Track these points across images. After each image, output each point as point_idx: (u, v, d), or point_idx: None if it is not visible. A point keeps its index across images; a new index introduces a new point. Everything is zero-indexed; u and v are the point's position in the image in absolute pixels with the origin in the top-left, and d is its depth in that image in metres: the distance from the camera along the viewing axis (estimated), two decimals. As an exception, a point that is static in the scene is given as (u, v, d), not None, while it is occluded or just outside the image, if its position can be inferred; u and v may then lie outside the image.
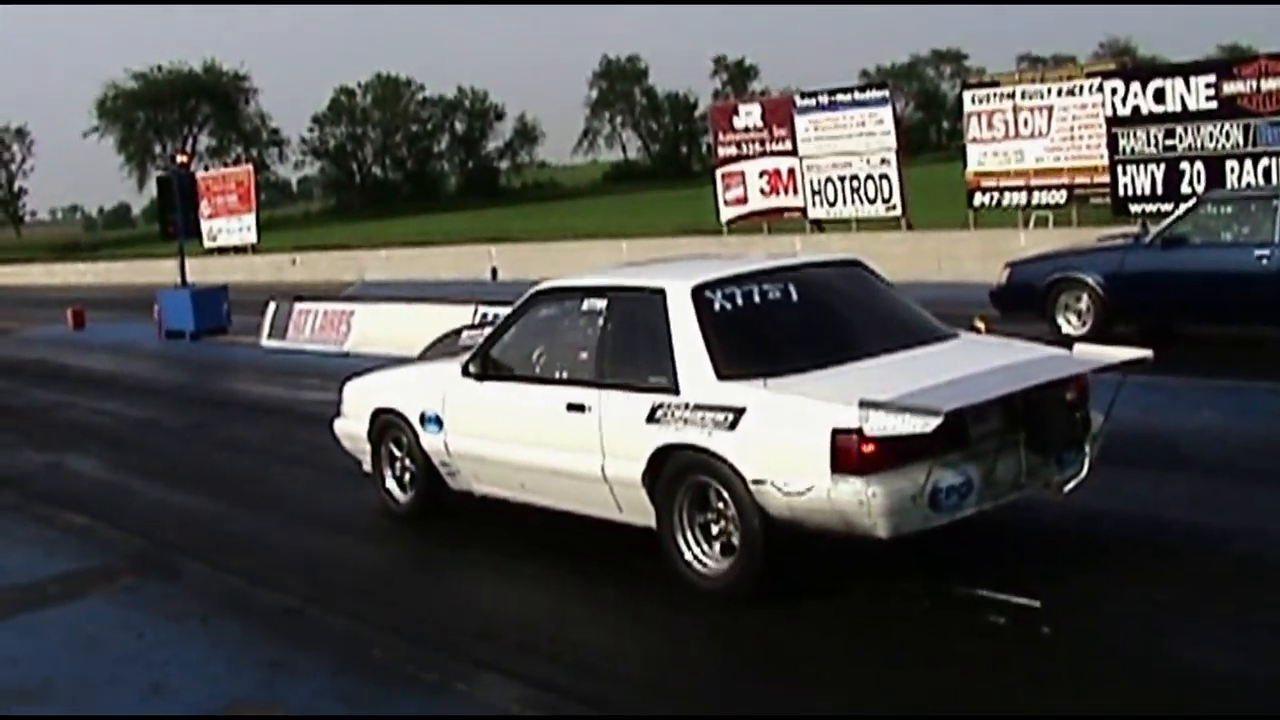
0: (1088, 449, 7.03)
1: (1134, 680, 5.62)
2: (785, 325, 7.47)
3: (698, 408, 6.85)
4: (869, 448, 6.17)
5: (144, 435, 14.33)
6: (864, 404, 6.11)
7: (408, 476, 9.14)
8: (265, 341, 21.77)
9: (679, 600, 7.01)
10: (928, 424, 5.95)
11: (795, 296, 7.54)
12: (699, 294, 7.23)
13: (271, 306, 22.21)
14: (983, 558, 7.28)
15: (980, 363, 6.93)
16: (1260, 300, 13.18)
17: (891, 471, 6.23)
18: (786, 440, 6.51)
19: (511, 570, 8.12)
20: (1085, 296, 14.48)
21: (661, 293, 7.34)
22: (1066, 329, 14.34)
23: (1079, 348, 7.38)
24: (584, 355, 7.69)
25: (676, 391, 7.00)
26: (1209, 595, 6.55)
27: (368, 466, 9.51)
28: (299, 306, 21.65)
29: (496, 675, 6.24)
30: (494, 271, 31.68)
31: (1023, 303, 14.98)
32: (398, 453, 9.19)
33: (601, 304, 7.71)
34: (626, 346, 7.49)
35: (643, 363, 7.29)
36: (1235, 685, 5.54)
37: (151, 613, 7.60)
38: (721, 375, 6.89)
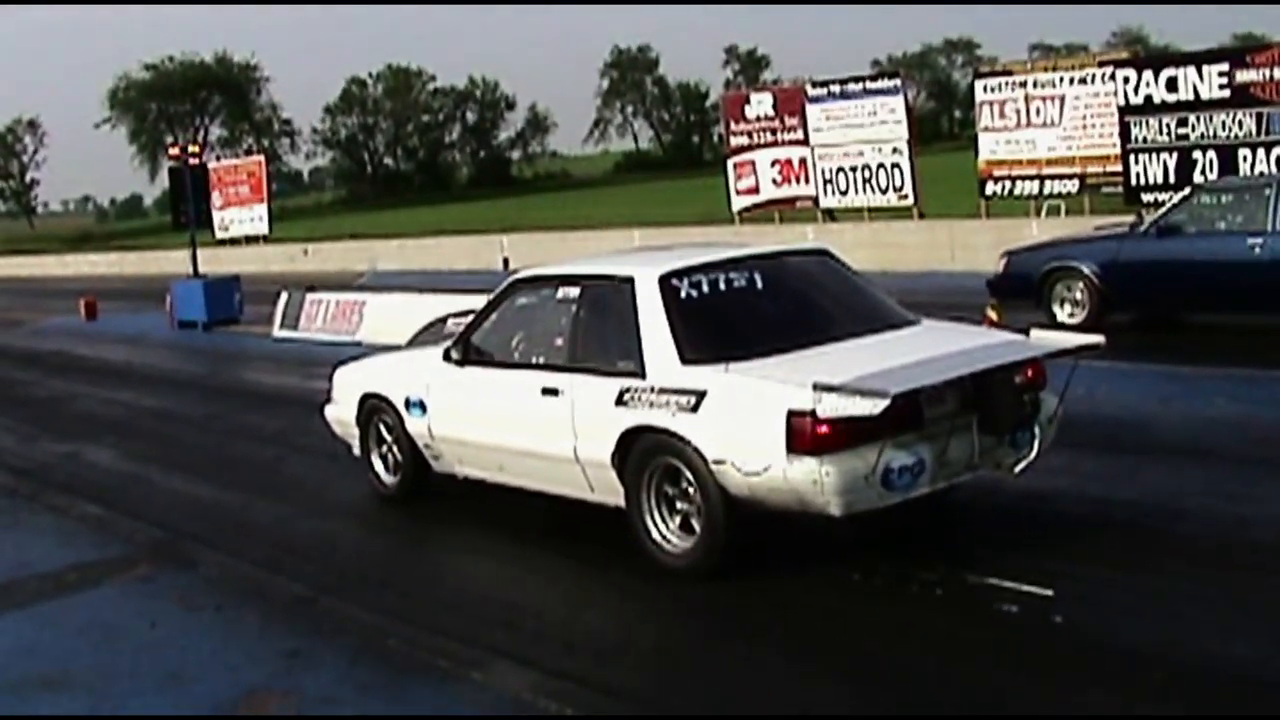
0: (1038, 431, 7.18)
1: (1147, 669, 5.62)
2: (749, 312, 7.72)
3: (663, 391, 7.10)
4: (823, 429, 6.41)
5: (159, 425, 14.38)
6: (817, 386, 6.34)
7: (394, 460, 9.39)
8: (277, 332, 21.80)
9: (694, 587, 7.05)
10: (876, 406, 6.20)
11: (760, 284, 7.79)
12: (666, 282, 7.47)
13: (284, 297, 22.24)
14: (997, 546, 7.30)
15: (936, 348, 7.15)
16: (1254, 289, 13.27)
17: (845, 451, 6.45)
18: (745, 422, 6.74)
19: (525, 558, 8.17)
20: (1081, 285, 14.59)
21: (630, 281, 7.59)
22: (1062, 318, 14.46)
23: (1034, 333, 7.59)
24: (558, 341, 7.96)
25: (643, 376, 7.25)
26: (1225, 583, 6.56)
27: (357, 450, 9.75)
28: (311, 297, 21.68)
29: (510, 662, 6.27)
30: (505, 261, 31.67)
31: (1019, 292, 15.06)
32: (385, 436, 9.44)
33: (575, 292, 8.00)
34: (597, 332, 7.76)
35: (612, 348, 7.55)
36: (1252, 674, 5.54)
37: (168, 602, 7.64)
38: (685, 360, 7.13)
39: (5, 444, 13.74)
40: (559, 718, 5.72)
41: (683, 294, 7.46)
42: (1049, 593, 6.48)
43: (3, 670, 6.70)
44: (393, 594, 7.58)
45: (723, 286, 7.63)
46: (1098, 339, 7.34)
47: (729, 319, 7.60)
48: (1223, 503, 7.84)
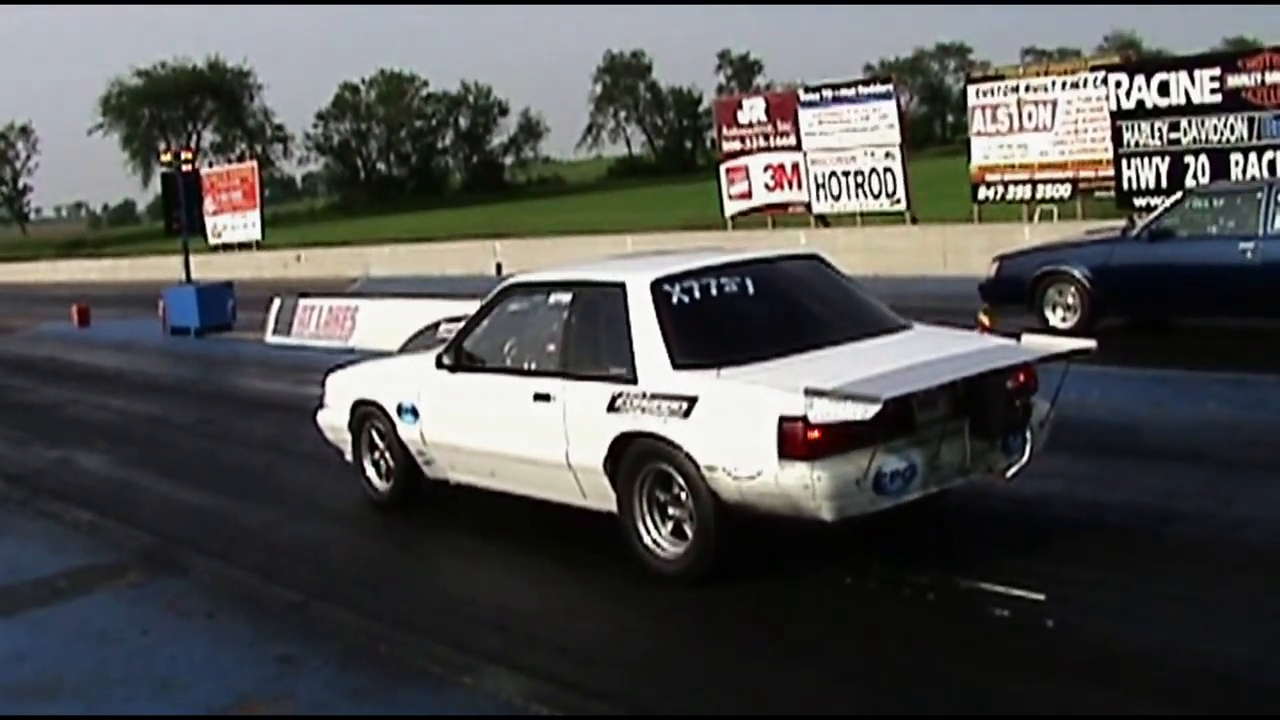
0: (1029, 435, 7.19)
1: (1140, 672, 5.62)
2: (741, 317, 7.76)
3: (654, 396, 7.11)
4: (814, 434, 6.43)
5: (151, 431, 14.36)
6: (808, 392, 6.38)
7: (386, 466, 9.40)
8: (270, 337, 21.79)
9: (686, 591, 7.05)
10: (867, 411, 6.22)
11: (752, 290, 7.81)
12: (657, 288, 7.50)
13: (276, 303, 22.23)
14: (989, 550, 7.30)
15: (928, 353, 7.18)
16: (1245, 293, 13.29)
17: (836, 456, 6.48)
18: (736, 427, 6.76)
19: (517, 562, 8.18)
20: (1073, 290, 14.59)
21: (622, 286, 7.61)
22: (1054, 322, 14.48)
23: (1026, 338, 7.60)
24: (550, 347, 7.98)
25: (635, 381, 7.26)
26: (1218, 586, 6.57)
27: (349, 456, 9.75)
28: (304, 303, 21.66)
29: (502, 668, 6.27)
30: (499, 267, 31.66)
31: (1011, 296, 15.07)
32: (377, 442, 9.44)
33: (566, 298, 8.01)
34: (589, 338, 7.77)
35: (604, 354, 7.57)
36: (1246, 676, 5.54)
37: (160, 608, 7.63)
38: (677, 365, 7.15)
39: (-3, 450, 13.72)
40: (551, 722, 5.73)
41: (674, 299, 7.47)
42: (1041, 596, 6.48)
43: (-6, 677, 6.70)
44: (384, 599, 7.57)
45: (714, 292, 7.64)
46: (1089, 343, 7.40)
47: (721, 324, 7.61)
48: (1214, 505, 7.86)
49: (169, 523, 9.75)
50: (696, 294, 7.56)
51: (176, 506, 10.38)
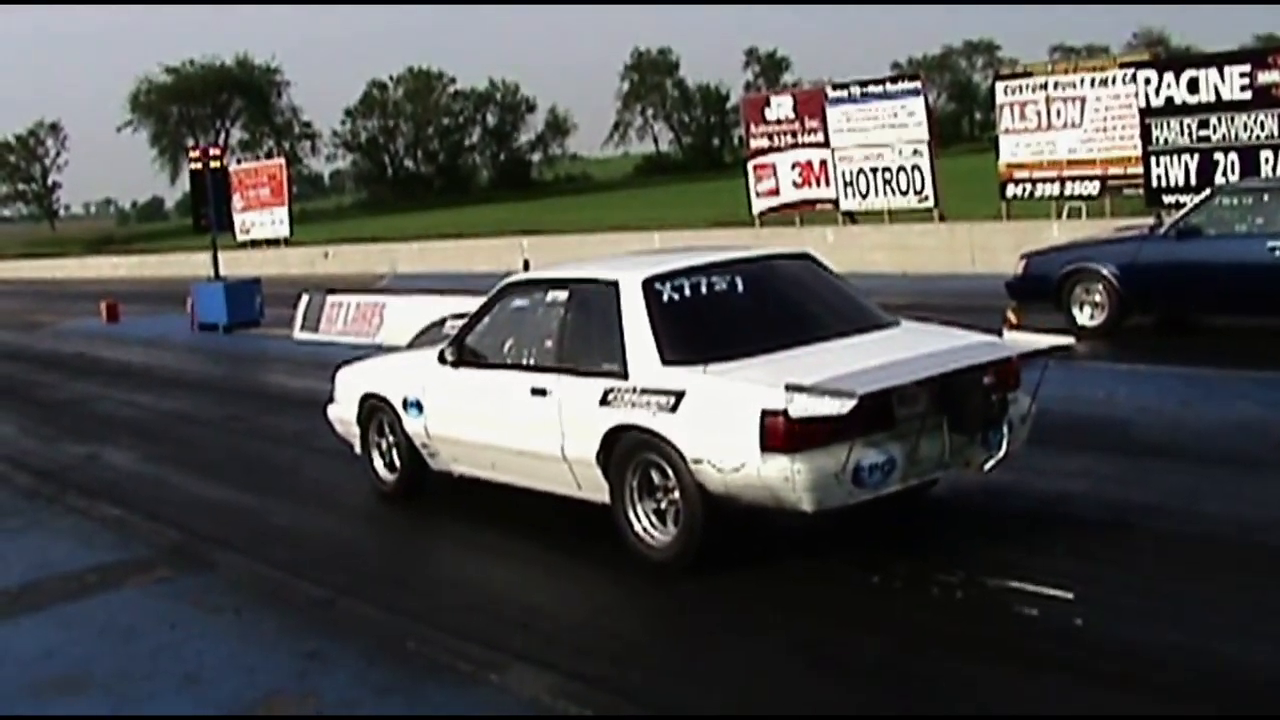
0: (1007, 430, 7.26)
1: (1167, 673, 5.59)
2: (729, 314, 7.92)
3: (644, 391, 7.30)
4: (795, 428, 6.58)
5: (179, 427, 14.42)
6: (789, 387, 6.53)
7: (393, 458, 9.58)
8: (298, 334, 21.84)
9: (710, 590, 7.05)
10: (844, 405, 6.40)
11: (742, 288, 8.00)
12: (649, 286, 7.69)
13: (304, 299, 22.28)
14: (1016, 549, 7.28)
15: (910, 349, 7.32)
16: (1274, 291, 13.18)
17: (816, 450, 6.64)
18: (721, 421, 6.93)
19: (541, 559, 8.19)
20: (1100, 288, 14.51)
21: (615, 284, 7.82)
22: (1082, 320, 14.41)
23: (1008, 335, 7.79)
24: (547, 343, 8.20)
25: (626, 376, 7.45)
26: (1247, 587, 6.53)
27: (358, 449, 9.96)
28: (331, 299, 21.71)
29: (528, 665, 6.27)
30: (526, 264, 31.61)
31: (1038, 294, 15.03)
32: (384, 436, 9.66)
33: (563, 295, 8.23)
34: (584, 334, 7.97)
35: (598, 349, 7.76)
36: (1272, 677, 5.51)
37: (187, 604, 7.67)
38: (666, 361, 7.34)
39: (27, 446, 13.80)
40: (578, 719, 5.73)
41: (665, 297, 7.66)
42: (1069, 595, 6.46)
43: (23, 672, 6.75)
44: (410, 595, 7.59)
45: (704, 290, 7.83)
46: (1068, 340, 7.58)
47: (709, 321, 7.78)
48: (1242, 506, 7.81)
49: (196, 518, 9.79)
50: (687, 292, 7.76)
51: (204, 502, 10.42)
